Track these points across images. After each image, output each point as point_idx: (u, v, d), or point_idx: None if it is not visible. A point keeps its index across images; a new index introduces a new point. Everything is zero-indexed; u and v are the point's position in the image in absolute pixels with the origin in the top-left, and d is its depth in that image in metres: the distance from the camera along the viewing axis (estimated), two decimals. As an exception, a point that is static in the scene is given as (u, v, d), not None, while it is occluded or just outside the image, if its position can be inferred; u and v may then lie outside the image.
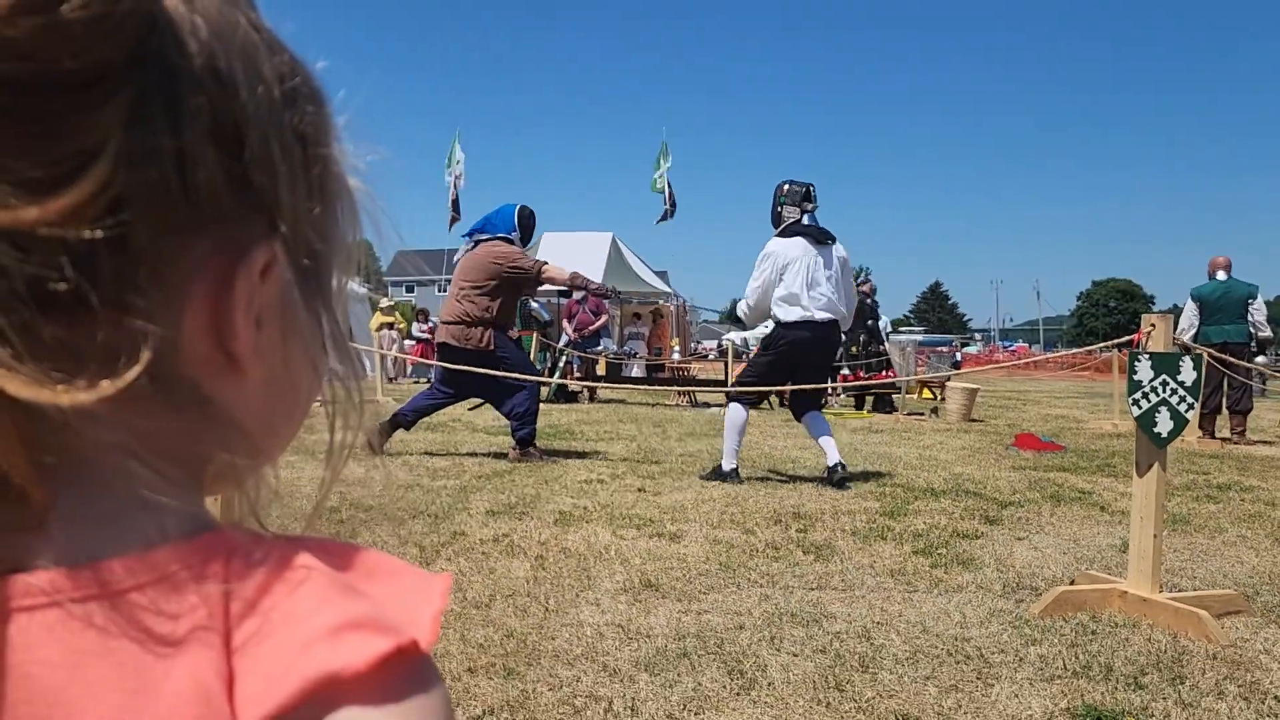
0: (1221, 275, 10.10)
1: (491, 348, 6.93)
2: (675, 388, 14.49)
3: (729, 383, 13.22)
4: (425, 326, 19.04)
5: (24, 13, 0.31)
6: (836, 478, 6.03)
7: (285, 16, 0.42)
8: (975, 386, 12.67)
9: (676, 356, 17.55)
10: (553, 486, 5.90)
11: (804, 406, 6.49)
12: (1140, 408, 3.35)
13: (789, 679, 2.70)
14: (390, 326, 18.84)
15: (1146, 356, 3.38)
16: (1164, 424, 3.32)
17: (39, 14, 0.31)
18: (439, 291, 76.31)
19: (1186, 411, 3.30)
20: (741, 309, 6.61)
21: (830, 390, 14.50)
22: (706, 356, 19.99)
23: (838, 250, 6.29)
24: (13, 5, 0.31)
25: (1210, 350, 7.43)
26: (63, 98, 0.33)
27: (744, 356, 15.99)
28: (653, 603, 3.41)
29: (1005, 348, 60.06)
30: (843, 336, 6.74)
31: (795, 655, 2.90)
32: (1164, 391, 3.32)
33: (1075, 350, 13.99)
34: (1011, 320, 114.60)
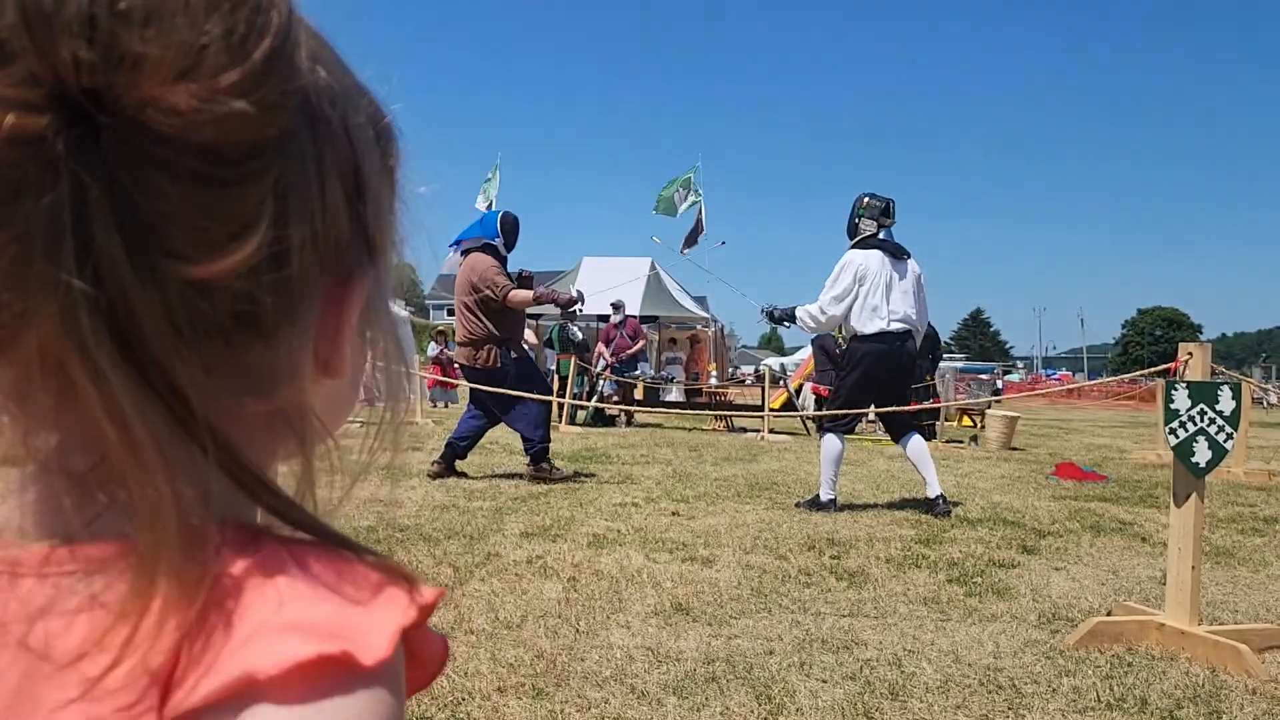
0: None
1: (499, 365, 6.94)
2: (712, 412, 14.47)
3: (765, 408, 13.22)
4: (441, 348, 19.23)
5: (237, 95, 0.37)
6: (938, 510, 5.96)
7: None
8: (1016, 414, 12.53)
9: (714, 381, 17.53)
10: (587, 509, 5.92)
11: (901, 428, 6.41)
12: (1177, 437, 3.31)
13: (817, 705, 2.69)
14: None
15: (1184, 385, 3.34)
16: (1202, 454, 3.27)
17: (248, 96, 0.37)
18: (479, 315, 76.97)
19: (1225, 441, 3.26)
20: (812, 314, 6.42)
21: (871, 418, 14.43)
22: (744, 382, 19.95)
23: (913, 266, 6.28)
24: (231, 85, 0.37)
25: None
26: (241, 166, 0.38)
27: (781, 382, 15.95)
28: (683, 626, 3.41)
29: (1049, 375, 59.24)
30: (916, 351, 6.65)
31: (824, 681, 2.89)
32: (1202, 421, 3.28)
33: (1118, 378, 13.81)
34: (1055, 348, 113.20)
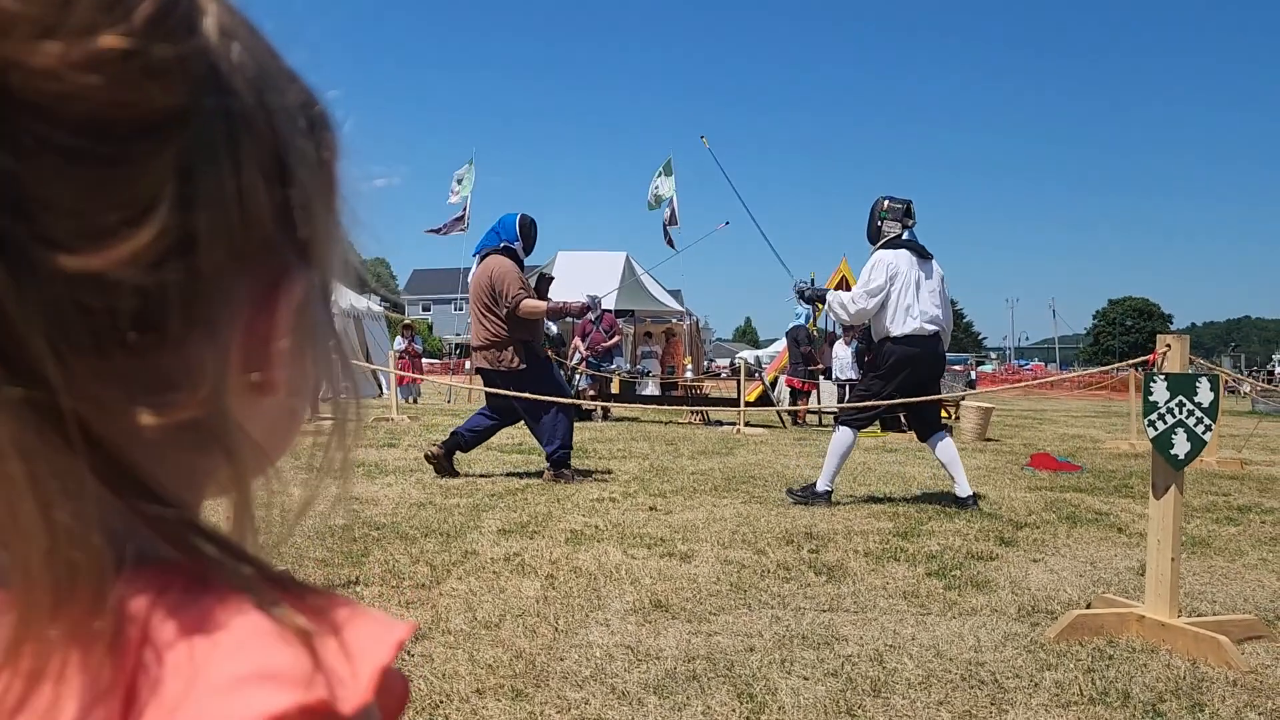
0: None
1: (522, 367, 6.87)
2: (688, 406, 14.46)
3: (741, 401, 13.21)
4: (407, 342, 19.11)
5: (109, 59, 0.32)
6: (969, 508, 5.96)
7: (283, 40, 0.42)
8: (990, 405, 12.59)
9: (690, 375, 17.52)
10: (564, 505, 5.87)
11: (928, 428, 6.37)
12: (1156, 429, 3.31)
13: (799, 703, 2.66)
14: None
15: (1163, 377, 3.34)
16: (1180, 445, 3.27)
17: (127, 60, 0.32)
18: (455, 310, 76.50)
19: (1204, 433, 3.26)
20: (843, 303, 6.34)
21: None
22: (720, 375, 19.94)
23: (937, 266, 6.27)
24: (100, 52, 0.32)
25: None
26: (132, 143, 0.33)
27: (756, 375, 15.95)
28: (662, 624, 3.38)
29: (1021, 366, 59.71)
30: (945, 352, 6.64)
31: (806, 679, 2.86)
32: (1180, 413, 3.28)
33: (1092, 370, 13.92)
34: (1027, 339, 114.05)
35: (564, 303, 7.65)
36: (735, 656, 3.04)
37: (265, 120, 0.38)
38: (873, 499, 6.41)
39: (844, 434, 6.24)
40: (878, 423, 13.29)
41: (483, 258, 7.08)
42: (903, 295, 6.05)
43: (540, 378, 6.95)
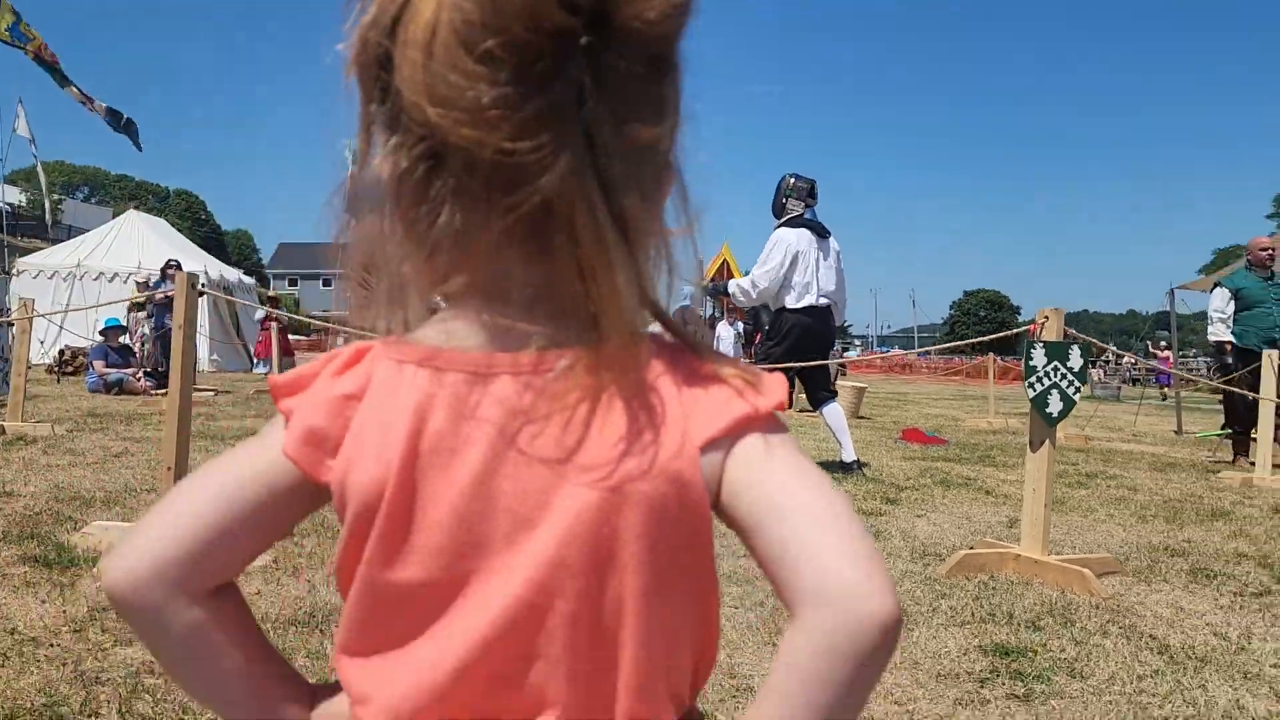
0: None
1: None
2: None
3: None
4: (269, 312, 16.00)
5: (677, 12, 0.60)
6: (853, 473, 6.40)
7: None
8: (864, 385, 13.30)
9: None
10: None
11: (820, 397, 6.76)
12: (1035, 390, 3.76)
13: (734, 626, 2.98)
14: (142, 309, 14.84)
15: (1041, 344, 3.79)
16: (1055, 405, 3.74)
17: (681, 14, 0.61)
18: (324, 286, 74.38)
19: (1074, 393, 3.73)
20: (743, 288, 6.71)
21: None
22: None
23: (834, 244, 6.66)
24: (677, 7, 0.60)
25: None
26: (667, 68, 0.63)
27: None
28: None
29: (882, 353, 62.15)
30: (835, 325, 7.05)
31: (736, 608, 3.18)
32: (1055, 376, 3.74)
33: (957, 343, 15.00)
34: (889, 327, 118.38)
35: None
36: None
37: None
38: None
39: (833, 409, 6.62)
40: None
41: None
42: (803, 273, 6.45)
43: None
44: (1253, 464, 7.39)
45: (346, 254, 0.67)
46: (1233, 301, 8.41)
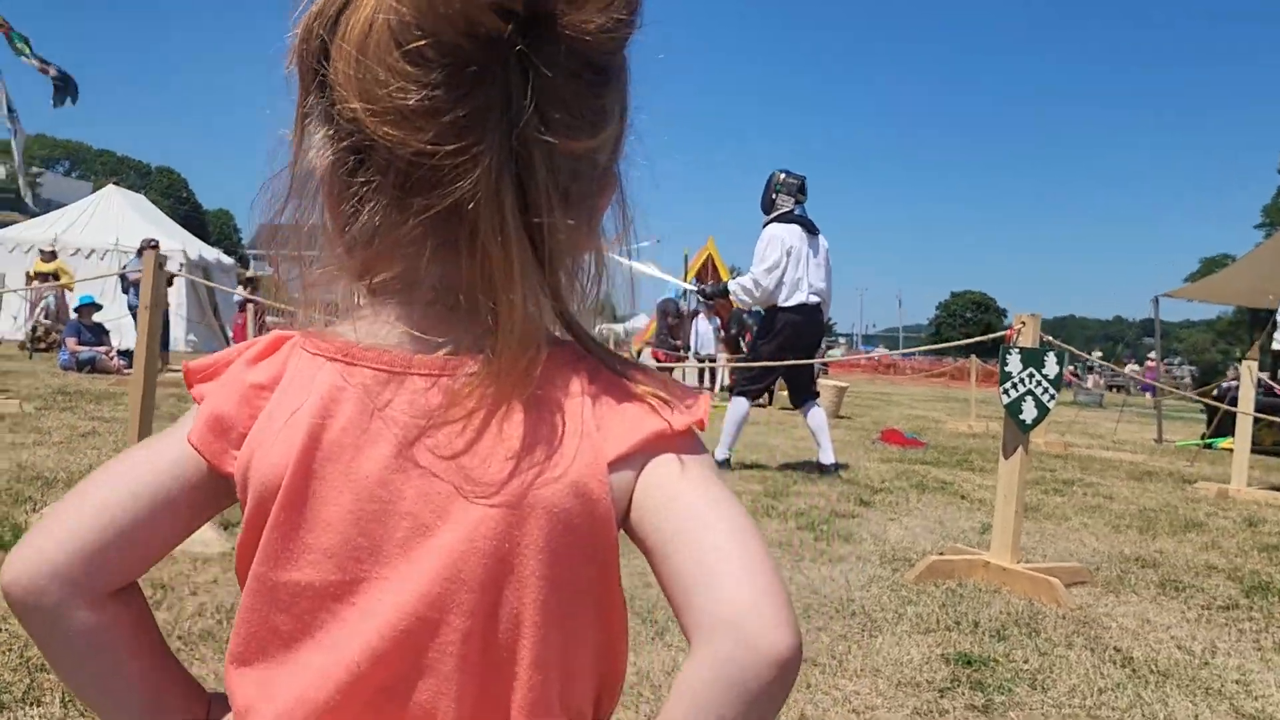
0: None
1: None
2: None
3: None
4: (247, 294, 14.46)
5: (620, 20, 0.57)
6: (829, 475, 6.34)
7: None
8: (844, 385, 13.28)
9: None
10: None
11: (804, 394, 6.70)
12: (1009, 396, 3.73)
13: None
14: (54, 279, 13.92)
15: (1017, 350, 3.76)
16: (1029, 411, 3.71)
17: (627, 25, 0.58)
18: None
19: (1049, 401, 3.70)
20: (745, 287, 6.64)
21: (711, 385, 14.93)
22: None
23: (823, 241, 6.59)
24: (622, 19, 0.57)
25: None
26: (606, 72, 0.60)
27: (621, 347, 16.26)
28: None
29: (866, 352, 62.27)
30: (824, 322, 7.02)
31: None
32: (1030, 383, 3.71)
33: (939, 346, 14.90)
34: (874, 327, 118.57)
35: None
36: (635, 591, 3.29)
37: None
38: (741, 465, 6.79)
39: (739, 404, 6.56)
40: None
41: None
42: (794, 269, 6.39)
43: None
44: None
45: (279, 239, 0.67)
46: None
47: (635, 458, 0.62)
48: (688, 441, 0.63)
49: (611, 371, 0.64)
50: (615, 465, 0.61)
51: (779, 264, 6.39)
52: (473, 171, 0.56)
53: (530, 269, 0.58)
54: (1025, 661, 2.87)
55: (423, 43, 0.54)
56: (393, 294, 0.64)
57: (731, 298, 7.09)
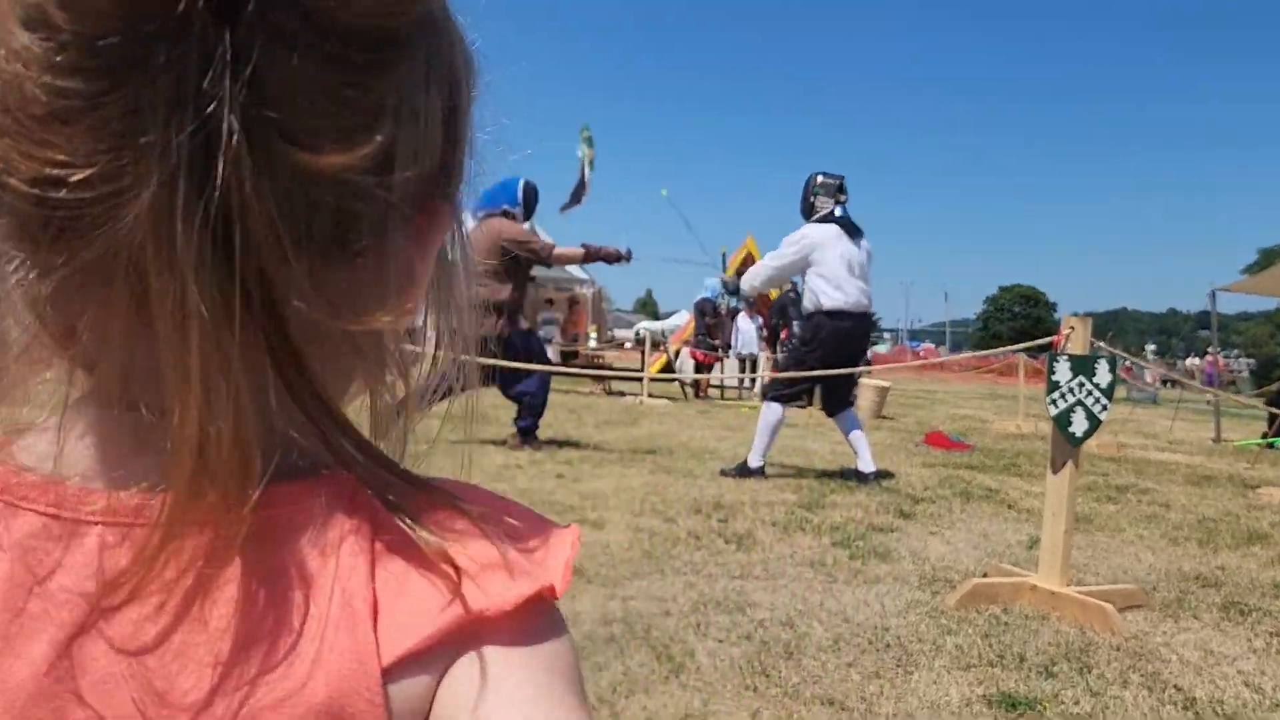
0: None
1: (507, 334, 6.68)
2: (591, 374, 14.48)
3: (645, 371, 13.29)
4: None
5: None
6: (869, 484, 6.07)
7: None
8: (886, 384, 12.94)
9: (593, 344, 17.52)
10: (471, 472, 5.78)
11: (839, 404, 6.45)
12: (1057, 407, 3.46)
13: (716, 664, 2.72)
14: None
15: (1066, 358, 3.49)
16: (1079, 424, 3.43)
17: None
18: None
19: (1100, 413, 3.42)
20: (746, 276, 6.43)
21: (746, 383, 14.67)
22: (624, 345, 20.02)
23: (865, 244, 6.31)
24: None
25: None
26: (377, 53, 0.35)
27: (661, 347, 16.06)
28: (578, 588, 3.41)
29: (913, 348, 61.48)
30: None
31: (721, 641, 2.93)
32: (1080, 393, 3.43)
33: (984, 353, 14.54)
34: (920, 321, 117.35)
35: (600, 246, 7.35)
36: (652, 620, 3.09)
37: (450, 52, 0.40)
38: (777, 473, 6.55)
39: (772, 409, 6.30)
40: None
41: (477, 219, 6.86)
42: (836, 270, 6.10)
43: (525, 349, 6.85)
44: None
45: None
46: None
47: (429, 657, 0.38)
48: (516, 628, 0.39)
49: (402, 515, 0.40)
50: (395, 671, 0.38)
51: (792, 265, 6.18)
52: (126, 210, 0.32)
53: (222, 353, 0.34)
54: (1076, 703, 2.61)
55: (51, 6, 0.31)
56: (93, 388, 0.41)
57: (743, 288, 6.89)
